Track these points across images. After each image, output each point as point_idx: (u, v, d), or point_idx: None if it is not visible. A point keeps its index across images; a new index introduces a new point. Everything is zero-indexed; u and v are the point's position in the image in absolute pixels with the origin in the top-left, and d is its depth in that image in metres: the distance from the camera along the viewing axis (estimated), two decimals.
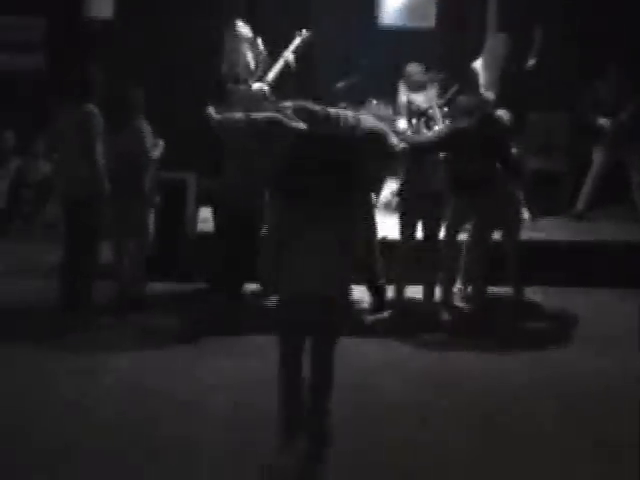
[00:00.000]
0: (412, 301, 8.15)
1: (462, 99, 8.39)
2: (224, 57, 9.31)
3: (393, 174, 8.56)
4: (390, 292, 8.08)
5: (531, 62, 10.09)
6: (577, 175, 10.52)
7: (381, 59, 10.63)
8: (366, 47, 10.87)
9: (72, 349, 6.92)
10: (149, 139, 7.86)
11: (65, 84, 8.13)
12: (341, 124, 7.77)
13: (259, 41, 9.45)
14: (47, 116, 8.06)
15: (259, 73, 9.33)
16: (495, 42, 10.33)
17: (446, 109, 9.23)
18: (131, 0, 10.78)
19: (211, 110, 7.97)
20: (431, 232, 8.10)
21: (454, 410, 6.02)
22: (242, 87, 8.80)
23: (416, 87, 10.27)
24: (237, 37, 9.32)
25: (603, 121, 10.09)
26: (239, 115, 7.85)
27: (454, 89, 9.78)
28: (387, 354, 7.12)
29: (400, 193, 8.25)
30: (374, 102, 9.75)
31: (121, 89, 7.96)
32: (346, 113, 8.03)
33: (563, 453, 5.44)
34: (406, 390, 6.38)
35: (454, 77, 10.15)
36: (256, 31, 9.53)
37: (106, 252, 7.94)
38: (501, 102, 9.61)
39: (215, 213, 8.25)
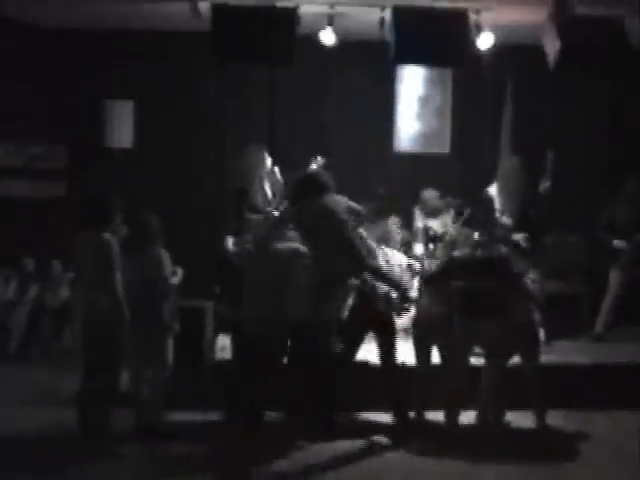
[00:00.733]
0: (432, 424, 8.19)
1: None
2: (250, 187, 9.40)
3: None
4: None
5: (545, 185, 10.06)
6: (595, 297, 10.55)
7: (397, 185, 10.92)
8: (383, 173, 11.21)
9: (90, 478, 6.91)
10: (168, 267, 7.91)
11: (84, 212, 8.30)
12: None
13: (276, 170, 9.60)
14: (66, 243, 8.15)
15: (276, 202, 9.42)
16: (509, 166, 10.42)
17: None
18: (151, 131, 11.04)
19: (229, 241, 8.17)
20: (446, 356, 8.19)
21: None
22: (258, 216, 8.97)
23: (432, 213, 10.42)
24: (260, 168, 9.45)
25: (619, 242, 10.19)
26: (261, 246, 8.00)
27: (467, 213, 10.00)
28: None
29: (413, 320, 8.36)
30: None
31: (140, 217, 8.06)
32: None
33: None
34: None
35: (469, 202, 10.31)
36: (274, 158, 9.68)
37: (125, 380, 7.93)
38: (518, 226, 9.77)
39: (234, 341, 8.36)
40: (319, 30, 9.50)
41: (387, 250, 8.42)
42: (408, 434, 7.93)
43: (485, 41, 9.60)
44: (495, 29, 9.52)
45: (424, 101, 11.78)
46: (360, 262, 7.80)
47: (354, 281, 8.09)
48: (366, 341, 8.37)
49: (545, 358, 8.74)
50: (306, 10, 8.94)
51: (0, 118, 10.83)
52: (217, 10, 8.79)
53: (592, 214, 10.47)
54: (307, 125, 11.26)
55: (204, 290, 8.83)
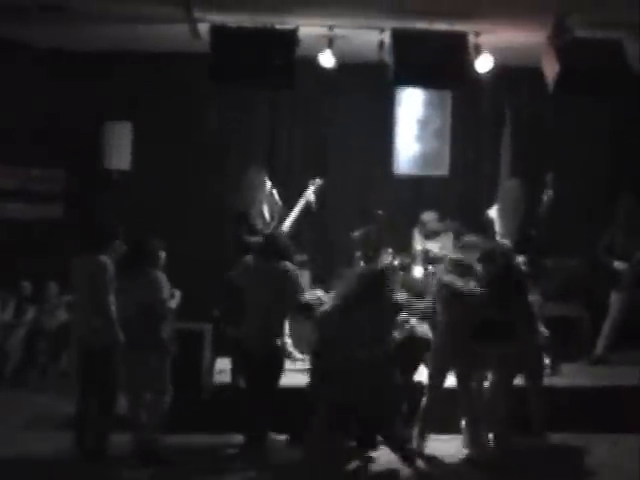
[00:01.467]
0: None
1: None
2: (250, 210, 9.51)
3: None
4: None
5: (544, 207, 10.02)
6: (595, 319, 10.55)
7: (396, 207, 11.02)
8: (382, 195, 11.26)
9: None
10: (166, 289, 7.93)
11: (82, 234, 8.34)
12: None
13: (275, 193, 9.71)
14: (64, 265, 8.19)
15: (274, 224, 9.58)
16: (509, 188, 10.42)
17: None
18: (150, 153, 11.06)
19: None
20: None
21: None
22: (257, 239, 9.07)
23: (431, 235, 10.48)
24: (260, 191, 9.56)
25: (619, 264, 10.22)
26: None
27: (467, 238, 10.04)
28: None
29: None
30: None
31: (138, 239, 8.09)
32: None
33: None
34: None
35: (469, 225, 10.32)
36: (273, 180, 9.80)
37: (123, 403, 7.94)
38: (518, 249, 9.80)
39: (234, 363, 8.55)
40: (318, 52, 9.50)
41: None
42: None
43: (484, 63, 9.57)
44: (494, 51, 9.48)
45: (423, 123, 11.85)
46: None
47: None
48: None
49: (547, 380, 8.90)
50: (305, 32, 8.89)
51: None
52: (216, 31, 8.78)
53: (592, 236, 10.54)
54: (306, 147, 11.33)
55: (202, 313, 8.89)
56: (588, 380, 9.57)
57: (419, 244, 10.46)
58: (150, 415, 7.91)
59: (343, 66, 9.78)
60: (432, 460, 8.13)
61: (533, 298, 8.67)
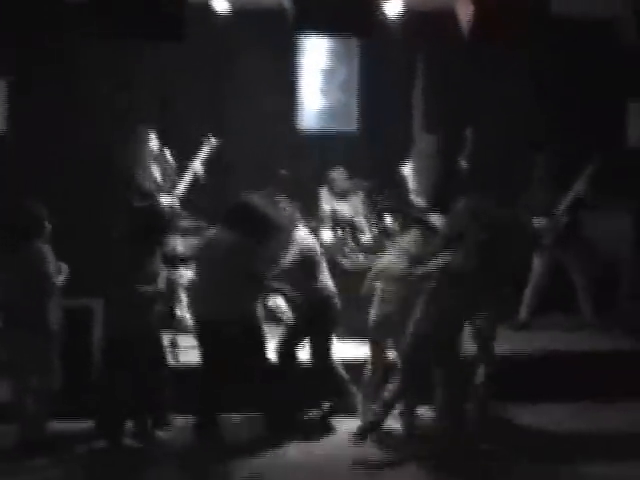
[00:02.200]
0: None
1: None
2: (133, 171, 9.51)
3: None
4: None
5: (462, 164, 10.34)
6: (518, 282, 10.51)
7: (301, 165, 11.07)
8: (285, 153, 11.28)
9: None
10: (51, 263, 7.69)
11: None
12: None
13: (167, 153, 9.71)
14: None
15: (168, 187, 9.63)
16: (423, 144, 10.68)
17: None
18: (29, 113, 10.70)
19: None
20: None
21: None
22: (148, 203, 8.97)
23: (340, 194, 10.61)
24: (143, 149, 9.60)
25: (539, 221, 10.33)
26: None
27: (381, 198, 10.19)
28: None
29: None
30: None
31: (18, 208, 7.87)
32: None
33: None
34: None
35: (381, 183, 10.54)
36: (167, 139, 9.79)
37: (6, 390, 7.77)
38: (434, 206, 9.79)
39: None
40: None
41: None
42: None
43: (393, 8, 9.55)
44: None
45: (329, 74, 11.78)
46: None
47: None
48: None
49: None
50: None
51: None
52: None
53: (510, 195, 10.44)
54: (202, 103, 11.17)
55: (92, 287, 8.52)
56: (510, 345, 9.58)
57: (327, 205, 10.52)
58: (37, 402, 7.70)
59: (239, 13, 9.78)
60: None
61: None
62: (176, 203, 9.54)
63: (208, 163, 9.81)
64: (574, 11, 10.12)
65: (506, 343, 9.60)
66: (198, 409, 8.21)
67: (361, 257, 9.77)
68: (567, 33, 10.48)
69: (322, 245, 9.35)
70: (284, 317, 8.46)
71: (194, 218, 9.66)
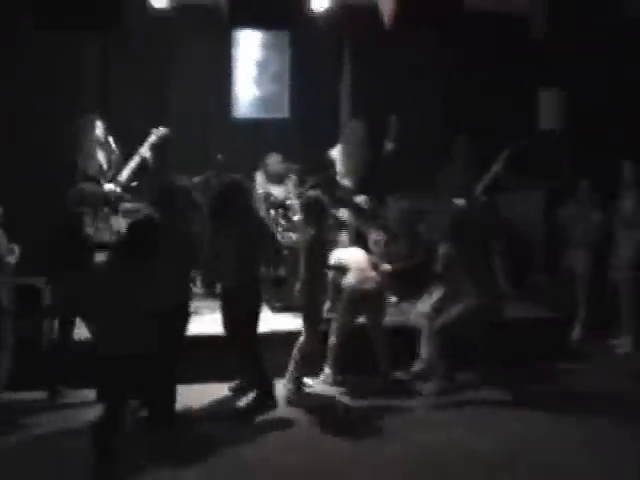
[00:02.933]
0: None
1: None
2: (78, 157, 9.50)
3: None
4: None
5: (387, 148, 10.40)
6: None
7: (237, 152, 10.97)
8: (222, 140, 11.27)
9: None
10: (3, 244, 7.80)
11: None
12: None
13: (111, 140, 9.69)
14: None
15: (112, 173, 9.61)
16: (349, 129, 10.73)
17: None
18: None
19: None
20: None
21: None
22: (93, 187, 8.91)
23: (274, 178, 10.68)
24: (89, 136, 9.55)
25: (458, 201, 10.42)
26: None
27: (313, 181, 10.27)
28: None
29: None
30: None
31: None
32: None
33: None
34: None
35: (311, 167, 10.69)
36: (110, 127, 9.77)
37: None
38: (360, 188, 10.09)
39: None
40: None
41: None
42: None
43: (320, 2, 9.70)
44: None
45: (262, 66, 11.96)
46: None
47: None
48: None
49: (393, 319, 9.25)
50: None
51: None
52: None
53: (433, 175, 10.73)
54: (144, 93, 11.18)
55: (42, 268, 8.56)
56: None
57: (261, 188, 10.60)
58: None
59: (178, 7, 9.79)
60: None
61: (375, 236, 8.91)
62: (119, 188, 9.52)
63: (154, 149, 9.80)
64: (490, 5, 10.51)
65: None
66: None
67: (293, 236, 9.86)
68: (484, 26, 10.71)
69: None
70: None
71: (137, 201, 9.59)
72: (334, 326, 8.77)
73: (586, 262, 10.42)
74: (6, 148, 10.61)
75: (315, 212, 8.35)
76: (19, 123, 10.73)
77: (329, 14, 9.92)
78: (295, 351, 8.40)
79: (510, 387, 8.48)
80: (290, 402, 8.31)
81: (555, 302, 10.18)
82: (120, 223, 9.27)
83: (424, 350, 8.61)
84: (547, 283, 10.71)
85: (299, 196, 10.27)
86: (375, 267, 8.82)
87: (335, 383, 8.79)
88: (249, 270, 8.05)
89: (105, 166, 9.63)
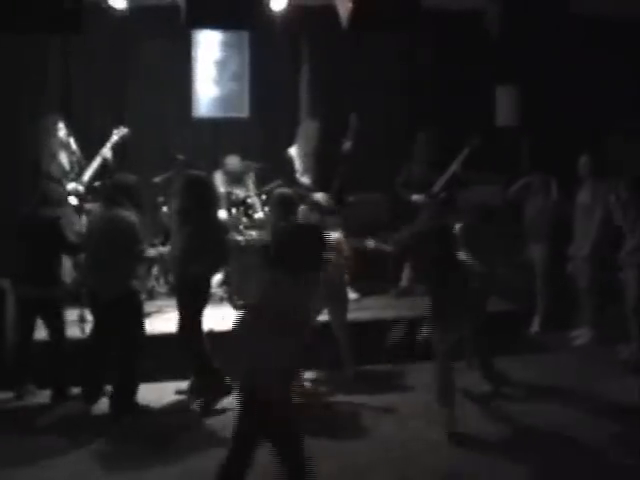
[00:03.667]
0: None
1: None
2: (42, 158, 9.51)
3: None
4: None
5: (346, 146, 10.42)
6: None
7: (198, 151, 11.09)
8: (182, 140, 11.27)
9: None
10: None
11: None
12: None
13: (72, 140, 9.68)
14: None
15: (74, 173, 9.60)
16: (308, 128, 10.81)
17: (264, 197, 9.60)
18: None
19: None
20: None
21: None
22: (55, 187, 8.88)
23: (235, 177, 10.72)
24: (52, 137, 9.54)
25: (417, 197, 10.57)
26: None
27: (276, 183, 10.32)
28: None
29: None
30: None
31: None
32: None
33: None
34: None
35: (270, 165, 10.77)
36: (72, 127, 9.78)
37: None
38: (318, 186, 10.09)
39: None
40: None
41: None
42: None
43: (278, 2, 9.69)
44: None
45: (221, 65, 11.86)
46: None
47: None
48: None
49: (354, 314, 9.19)
50: None
51: None
52: None
53: (391, 172, 10.83)
54: (105, 94, 11.16)
55: (2, 269, 8.60)
56: (393, 312, 9.90)
57: (222, 187, 10.62)
58: None
59: (138, 9, 9.84)
60: None
61: (336, 234, 8.85)
62: (81, 187, 9.50)
63: (116, 150, 9.77)
64: (447, 4, 10.55)
65: (388, 308, 10.12)
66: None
67: (254, 233, 9.95)
68: (440, 25, 10.85)
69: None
70: None
71: (99, 200, 9.28)
72: None
73: (544, 254, 10.48)
74: None
75: (286, 208, 8.42)
76: None
77: (287, 14, 9.91)
78: None
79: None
80: None
81: (515, 295, 10.21)
82: (83, 223, 9.26)
83: None
84: (506, 276, 10.66)
85: (261, 194, 10.38)
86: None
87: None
88: (196, 265, 7.99)
89: (67, 167, 9.63)
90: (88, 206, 9.48)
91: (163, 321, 9.02)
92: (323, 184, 10.06)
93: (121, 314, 7.82)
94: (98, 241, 7.91)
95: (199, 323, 8.09)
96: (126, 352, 7.88)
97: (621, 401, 8.05)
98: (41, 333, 8.43)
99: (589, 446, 7.15)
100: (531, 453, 6.99)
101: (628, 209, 9.43)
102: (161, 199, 10.34)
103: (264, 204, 10.48)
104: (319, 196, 9.34)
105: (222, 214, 10.12)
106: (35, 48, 10.61)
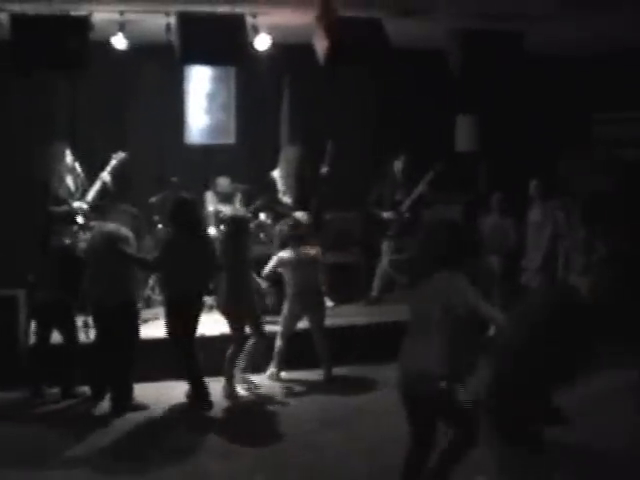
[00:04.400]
0: None
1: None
2: (51, 181, 9.72)
3: None
4: None
5: (324, 169, 10.76)
6: (370, 265, 11.29)
7: (189, 174, 11.26)
8: (176, 164, 11.56)
9: None
10: None
11: None
12: None
13: (77, 165, 9.90)
14: None
15: (79, 194, 9.84)
16: (289, 153, 11.04)
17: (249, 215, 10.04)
18: None
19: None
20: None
21: None
22: (62, 208, 9.42)
23: (224, 197, 11.02)
24: (60, 163, 9.76)
25: (387, 214, 10.93)
26: None
27: (259, 203, 10.66)
28: None
29: None
30: None
31: None
32: None
33: None
34: None
35: (255, 186, 11.03)
36: (77, 153, 9.98)
37: None
38: (299, 205, 10.46)
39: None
40: (112, 35, 9.62)
41: None
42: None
43: (262, 42, 9.90)
44: (271, 30, 9.76)
45: (211, 97, 12.15)
46: None
47: None
48: None
49: (331, 321, 9.62)
50: (98, 18, 9.03)
51: None
52: (15, 19, 8.81)
53: (363, 192, 11.16)
54: (107, 122, 11.37)
55: (16, 279, 9.04)
56: (365, 318, 10.29)
57: (211, 206, 10.92)
58: None
59: (137, 47, 9.94)
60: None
61: (315, 249, 9.32)
62: (84, 207, 9.66)
63: (115, 173, 9.90)
64: (414, 43, 10.81)
65: (360, 315, 10.51)
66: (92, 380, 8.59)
67: None
68: (408, 61, 11.18)
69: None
70: None
71: (101, 219, 9.21)
72: (280, 328, 9.23)
73: (500, 266, 10.86)
74: None
75: (238, 227, 8.84)
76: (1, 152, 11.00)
77: (270, 52, 10.12)
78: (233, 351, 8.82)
79: None
80: (233, 398, 8.73)
81: None
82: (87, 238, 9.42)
83: None
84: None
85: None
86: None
87: (279, 380, 9.26)
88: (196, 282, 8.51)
89: (73, 188, 9.83)
90: (92, 223, 9.56)
91: (159, 327, 9.11)
92: (303, 203, 10.41)
93: (121, 321, 8.23)
94: (99, 254, 8.36)
95: (194, 332, 8.53)
96: (124, 355, 8.31)
97: None
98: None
99: None
100: None
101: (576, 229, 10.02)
102: (157, 217, 10.55)
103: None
104: (299, 214, 9.78)
105: (211, 231, 10.46)
106: (44, 82, 10.78)
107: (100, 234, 8.51)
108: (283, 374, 9.35)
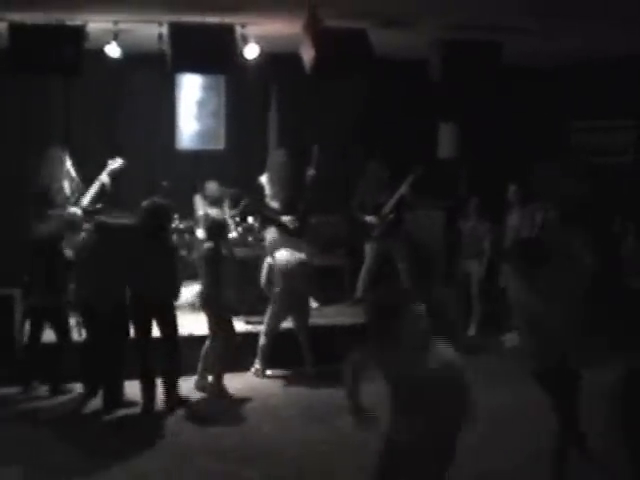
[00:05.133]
0: None
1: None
2: (49, 186, 9.78)
3: None
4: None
5: (310, 174, 10.72)
6: (354, 267, 11.35)
7: (180, 178, 11.27)
8: (167, 169, 11.60)
9: None
10: None
11: None
12: None
13: (73, 170, 9.96)
14: None
15: (74, 198, 9.89)
16: (276, 158, 11.01)
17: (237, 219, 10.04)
18: None
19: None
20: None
21: None
22: (57, 211, 9.44)
23: (213, 201, 11.02)
24: (57, 168, 9.82)
25: (370, 218, 11.00)
26: None
27: (244, 203, 10.75)
28: None
29: None
30: None
31: None
32: None
33: None
34: None
35: (243, 191, 11.06)
36: (72, 157, 10.02)
37: None
38: (286, 210, 10.48)
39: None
40: (105, 44, 9.60)
41: None
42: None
43: (251, 51, 9.85)
44: (260, 40, 9.72)
45: (201, 104, 12.23)
46: None
47: None
48: None
49: (315, 321, 9.75)
50: (93, 27, 9.07)
51: None
52: (14, 28, 8.86)
53: (347, 197, 11.26)
54: (101, 128, 11.51)
55: (11, 279, 9.08)
56: (350, 319, 10.22)
57: (201, 210, 10.97)
58: None
59: (129, 56, 9.95)
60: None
61: (304, 253, 9.40)
62: (79, 211, 9.56)
63: (111, 177, 9.99)
64: (397, 54, 10.93)
65: (343, 316, 10.55)
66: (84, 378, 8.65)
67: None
68: (391, 71, 11.30)
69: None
70: None
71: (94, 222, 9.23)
72: (265, 326, 9.27)
73: (478, 269, 10.98)
74: None
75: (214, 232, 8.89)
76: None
77: (259, 60, 10.10)
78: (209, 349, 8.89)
79: None
80: (213, 394, 8.78)
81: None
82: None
83: None
84: (446, 288, 11.15)
85: (235, 216, 10.78)
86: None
87: (264, 377, 9.33)
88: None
89: (69, 192, 9.91)
90: (86, 226, 9.45)
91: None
92: (290, 207, 10.46)
93: (111, 321, 8.32)
94: (91, 257, 8.45)
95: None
96: (115, 353, 8.40)
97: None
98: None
99: None
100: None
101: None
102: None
103: (237, 225, 10.83)
104: (286, 218, 9.84)
105: (200, 234, 10.43)
106: (40, 89, 10.89)
107: (93, 235, 8.61)
108: (268, 372, 9.39)
